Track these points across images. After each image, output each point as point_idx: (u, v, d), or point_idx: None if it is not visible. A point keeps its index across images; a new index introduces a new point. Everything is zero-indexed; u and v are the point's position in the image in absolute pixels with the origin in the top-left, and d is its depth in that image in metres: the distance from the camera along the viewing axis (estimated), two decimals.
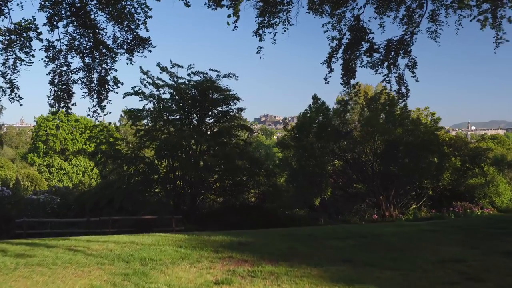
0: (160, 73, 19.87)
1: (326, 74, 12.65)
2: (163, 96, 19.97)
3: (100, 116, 11.47)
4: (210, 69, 19.76)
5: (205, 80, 19.28)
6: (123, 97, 19.56)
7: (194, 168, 18.49)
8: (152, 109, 19.37)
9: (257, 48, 10.33)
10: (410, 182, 23.91)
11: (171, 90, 19.59)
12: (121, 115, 65.04)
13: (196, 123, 20.06)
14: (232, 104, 20.04)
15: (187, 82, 20.03)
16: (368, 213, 22.82)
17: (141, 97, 19.28)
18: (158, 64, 20.08)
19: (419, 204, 25.14)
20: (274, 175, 19.70)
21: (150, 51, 12.43)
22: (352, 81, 12.77)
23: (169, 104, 19.76)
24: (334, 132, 23.28)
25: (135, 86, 19.99)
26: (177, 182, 19.20)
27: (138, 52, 12.40)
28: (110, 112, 11.59)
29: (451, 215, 23.54)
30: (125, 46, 12.43)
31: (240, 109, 20.52)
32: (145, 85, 19.96)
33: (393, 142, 21.10)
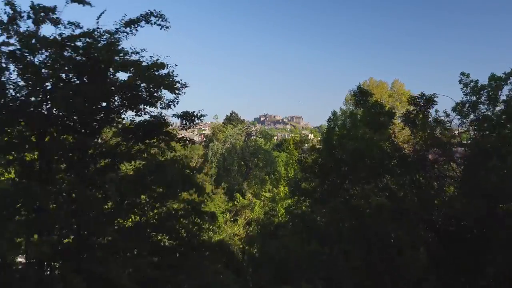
0: None
1: None
2: None
3: None
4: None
5: (83, 33, 6.80)
6: None
7: None
8: None
9: None
10: None
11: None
12: None
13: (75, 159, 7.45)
14: (166, 101, 7.26)
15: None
16: None
17: None
18: None
19: None
20: None
21: None
22: None
23: None
24: (402, 161, 11.09)
25: None
26: None
27: None
28: None
29: None
30: None
31: (190, 117, 7.29)
32: None
33: None
